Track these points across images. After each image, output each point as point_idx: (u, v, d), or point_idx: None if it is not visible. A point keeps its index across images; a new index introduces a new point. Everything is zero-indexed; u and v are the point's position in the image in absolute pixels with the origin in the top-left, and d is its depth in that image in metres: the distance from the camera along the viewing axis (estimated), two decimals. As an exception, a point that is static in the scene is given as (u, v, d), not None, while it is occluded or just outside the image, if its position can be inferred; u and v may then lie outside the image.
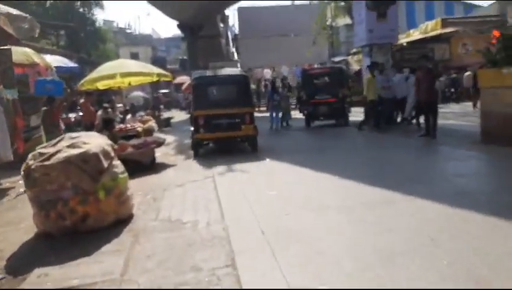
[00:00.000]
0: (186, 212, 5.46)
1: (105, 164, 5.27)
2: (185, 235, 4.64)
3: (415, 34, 29.92)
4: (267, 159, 8.91)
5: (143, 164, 8.60)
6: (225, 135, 10.03)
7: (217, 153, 10.45)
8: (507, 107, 8.20)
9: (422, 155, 8.88)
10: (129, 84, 11.53)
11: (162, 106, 34.41)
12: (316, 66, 36.38)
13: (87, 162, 5.07)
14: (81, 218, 5.02)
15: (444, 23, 29.26)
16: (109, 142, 5.70)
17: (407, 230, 4.17)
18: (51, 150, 5.27)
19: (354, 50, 36.66)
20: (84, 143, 5.31)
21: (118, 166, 5.55)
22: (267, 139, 11.78)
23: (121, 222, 5.23)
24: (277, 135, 13.87)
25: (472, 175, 6.60)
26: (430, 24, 29.92)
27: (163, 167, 9.03)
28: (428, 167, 7.45)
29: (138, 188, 6.91)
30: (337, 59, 36.07)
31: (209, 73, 10.92)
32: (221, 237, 4.44)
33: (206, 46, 37.88)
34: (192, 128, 10.21)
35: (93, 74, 10.34)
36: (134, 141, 9.05)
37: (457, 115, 14.82)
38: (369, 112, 13.09)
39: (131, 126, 12.08)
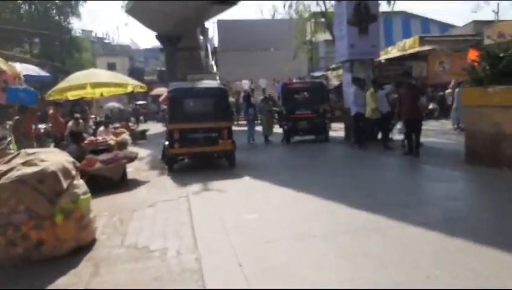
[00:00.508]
0: (155, 238, 4.94)
1: (65, 184, 4.72)
2: (152, 266, 4.12)
3: (393, 52, 30.16)
4: (246, 177, 8.44)
5: (112, 181, 8.02)
6: (201, 150, 9.53)
7: (193, 169, 9.93)
8: (493, 127, 7.98)
9: (407, 175, 8.58)
10: (101, 95, 10.95)
11: (141, 118, 33.81)
12: (295, 80, 36.50)
13: (44, 182, 4.51)
14: (35, 245, 4.44)
15: (422, 41, 29.57)
16: (71, 159, 5.15)
17: (400, 265, 3.75)
18: (3, 167, 4.69)
19: (334, 65, 36.83)
20: (42, 160, 4.75)
21: (80, 186, 5.00)
22: (246, 155, 11.33)
23: (81, 249, 4.68)
24: (256, 150, 13.45)
25: (462, 198, 6.27)
26: (408, 42, 30.20)
27: (134, 183, 8.46)
28: (414, 189, 7.11)
29: (104, 208, 6.36)
30: (316, 74, 36.04)
31: (186, 85, 10.44)
32: (193, 269, 3.94)
33: (185, 58, 37.40)
34: (166, 143, 9.68)
35: (62, 84, 9.74)
36: (103, 156, 8.46)
37: (437, 133, 14.67)
38: (359, 128, 12.53)
39: (102, 139, 11.47)
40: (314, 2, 28.56)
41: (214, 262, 4.07)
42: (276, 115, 16.40)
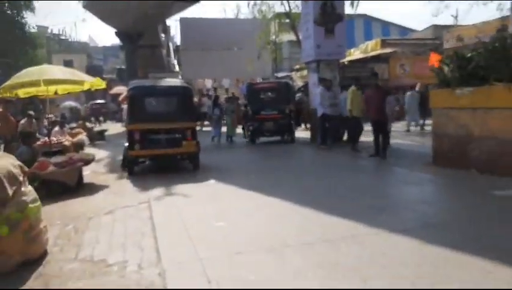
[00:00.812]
0: (113, 250, 4.48)
1: (10, 191, 4.19)
2: (110, 283, 3.68)
3: (356, 53, 30.51)
4: (212, 180, 8.04)
5: (67, 185, 7.43)
6: (163, 151, 9.04)
7: (154, 172, 9.42)
8: (460, 129, 7.94)
9: (377, 178, 8.38)
10: (55, 93, 10.21)
11: (101, 118, 32.63)
12: (258, 80, 36.30)
13: (-16, 190, 3.97)
14: (-25, 261, 3.91)
15: (384, 44, 30.09)
16: (17, 162, 4.60)
17: (383, 277, 3.48)
18: None
19: (297, 66, 36.95)
20: (-17, 165, 4.20)
21: (28, 193, 4.48)
22: (211, 156, 10.92)
23: (30, 263, 4.17)
24: (221, 152, 13.04)
25: (435, 202, 6.13)
26: (370, 44, 30.65)
27: (91, 188, 7.88)
28: (386, 192, 6.93)
29: (57, 217, 5.83)
30: (280, 75, 36.03)
31: (147, 83, 9.90)
32: (156, 286, 3.53)
33: (146, 56, 36.46)
34: (126, 144, 9.13)
35: (13, 80, 8.95)
36: (57, 158, 7.85)
37: (401, 134, 14.76)
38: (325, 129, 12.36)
39: (57, 140, 10.76)
40: (278, 2, 28.31)
41: (179, 278, 3.67)
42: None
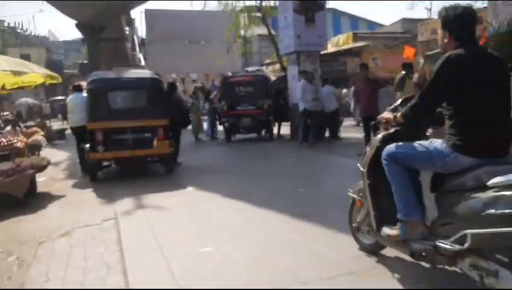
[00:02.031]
0: (69, 293, 3.36)
1: None
2: None
3: (328, 47, 29.85)
4: (190, 187, 6.93)
5: (14, 198, 6.17)
6: (132, 153, 7.85)
7: (122, 178, 8.23)
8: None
9: None
10: (3, 87, 8.84)
11: (60, 115, 30.67)
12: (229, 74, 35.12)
13: None
14: None
15: (355, 37, 29.59)
16: None
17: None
18: None
19: (268, 60, 36.00)
20: None
21: None
22: (184, 158, 9.77)
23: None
24: (195, 151, 11.88)
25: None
26: (341, 37, 30.08)
27: (45, 200, 6.62)
28: None
29: (-2, 242, 4.61)
30: (250, 69, 34.90)
31: (111, 74, 8.64)
32: None
33: (110, 50, 34.54)
34: (87, 145, 7.89)
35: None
36: (2, 165, 6.56)
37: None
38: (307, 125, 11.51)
39: (7, 141, 9.36)
40: (249, -5, 27.25)
41: None
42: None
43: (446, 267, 2.96)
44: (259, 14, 28.22)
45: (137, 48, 44.08)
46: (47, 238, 4.70)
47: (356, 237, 3.81)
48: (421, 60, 23.23)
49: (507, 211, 2.35)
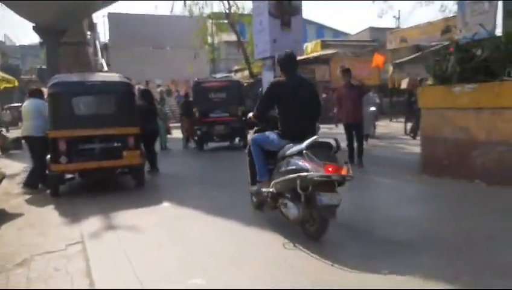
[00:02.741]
0: None
1: None
2: None
3: (296, 54, 29.64)
4: (166, 203, 6.22)
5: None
6: (98, 165, 7.04)
7: (87, 193, 7.36)
8: (459, 132, 6.82)
9: (362, 191, 6.94)
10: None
11: (20, 123, 28.89)
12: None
13: None
14: None
15: (324, 45, 29.58)
16: None
17: None
18: None
19: (236, 67, 35.51)
20: None
21: None
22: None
23: None
24: (167, 162, 11.05)
25: (442, 219, 4.75)
26: (310, 45, 29.97)
27: (-2, 219, 5.76)
28: (377, 209, 5.50)
29: None
30: (218, 76, 34.28)
31: (75, 77, 7.81)
32: None
33: (70, 55, 33.01)
34: (48, 156, 7.03)
35: None
36: None
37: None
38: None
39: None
40: (217, 1, 26.78)
41: None
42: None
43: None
44: (226, 21, 27.79)
45: (99, 53, 42.61)
46: (0, 269, 3.90)
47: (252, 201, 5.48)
48: (390, 68, 23.31)
49: (289, 167, 4.22)
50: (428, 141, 7.39)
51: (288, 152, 4.35)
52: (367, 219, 5.03)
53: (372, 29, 33.85)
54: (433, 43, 23.96)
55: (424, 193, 6.56)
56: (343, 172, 3.97)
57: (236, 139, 13.19)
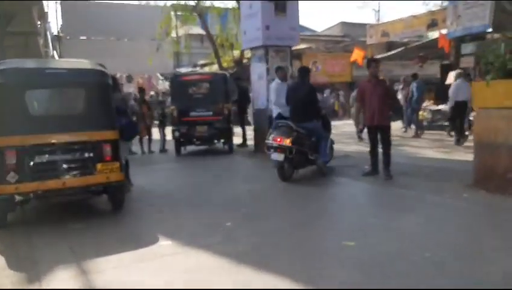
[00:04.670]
0: None
1: None
2: None
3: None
4: (163, 242, 4.40)
5: None
6: (62, 184, 5.12)
7: (48, 223, 5.41)
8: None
9: (411, 216, 5.25)
10: None
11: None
12: (159, 76, 32.05)
13: None
14: None
15: (295, 39, 28.14)
16: None
17: None
18: None
19: (202, 61, 33.46)
20: None
21: None
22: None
23: None
24: (144, 171, 9.06)
25: None
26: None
27: None
28: (438, 241, 3.99)
29: None
30: (183, 70, 32.20)
31: (30, 63, 5.79)
32: None
33: (18, 46, 29.85)
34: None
35: None
36: None
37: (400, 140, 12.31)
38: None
39: None
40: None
41: None
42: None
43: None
44: (195, 14, 25.81)
45: (50, 45, 39.36)
46: None
47: None
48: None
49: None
50: (486, 148, 5.96)
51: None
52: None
53: (344, 24, 32.80)
54: (405, 39, 23.17)
55: (483, 215, 5.10)
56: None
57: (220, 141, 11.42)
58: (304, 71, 7.94)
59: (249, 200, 6.15)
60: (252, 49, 11.00)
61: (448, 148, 10.42)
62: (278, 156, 6.85)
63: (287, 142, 6.76)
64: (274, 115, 9.37)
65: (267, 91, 10.22)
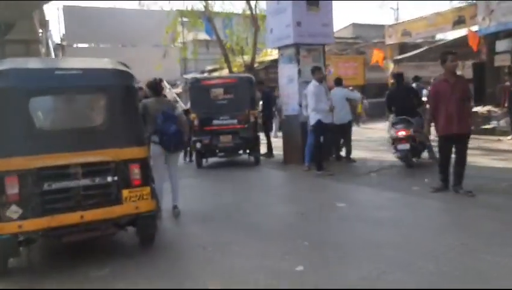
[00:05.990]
0: None
1: None
2: None
3: (274, 53, 27.53)
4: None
5: None
6: (79, 218, 3.95)
7: (62, 267, 4.23)
8: None
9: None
10: None
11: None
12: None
13: None
14: None
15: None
16: None
17: None
18: None
19: (209, 67, 32.41)
20: None
21: None
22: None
23: None
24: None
25: None
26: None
27: None
28: None
29: None
30: (189, 76, 31.14)
31: (35, 63, 4.61)
32: None
33: (19, 54, 28.91)
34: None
35: None
36: None
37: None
38: (318, 145, 8.45)
39: None
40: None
41: None
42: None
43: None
44: (200, 19, 24.81)
45: (52, 53, 38.47)
46: None
47: None
48: (391, 64, 21.10)
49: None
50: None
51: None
52: None
53: (355, 26, 31.73)
54: (420, 40, 22.01)
55: None
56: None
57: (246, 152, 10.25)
58: (399, 76, 9.00)
59: (309, 228, 4.96)
60: (280, 48, 9.85)
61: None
62: (404, 146, 7.77)
63: (410, 132, 7.70)
64: (312, 122, 8.26)
65: (299, 95, 9.10)
